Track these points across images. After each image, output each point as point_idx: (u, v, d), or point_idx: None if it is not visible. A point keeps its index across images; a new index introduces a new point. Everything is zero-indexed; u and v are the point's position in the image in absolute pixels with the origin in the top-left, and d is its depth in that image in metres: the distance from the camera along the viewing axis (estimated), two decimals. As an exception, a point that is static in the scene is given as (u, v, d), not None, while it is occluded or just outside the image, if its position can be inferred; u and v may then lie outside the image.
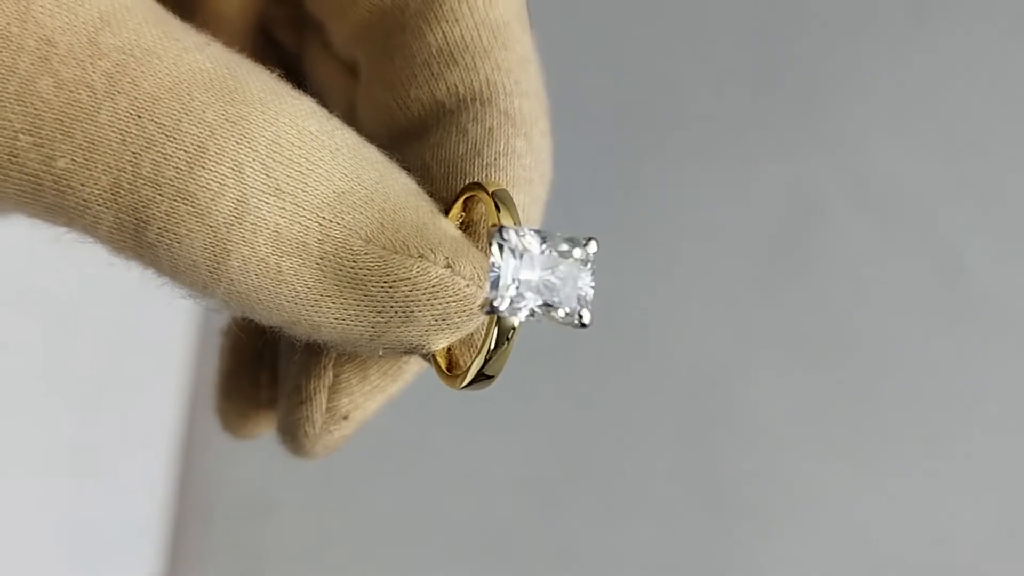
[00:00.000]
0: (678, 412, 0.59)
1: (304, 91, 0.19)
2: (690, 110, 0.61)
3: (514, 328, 0.18)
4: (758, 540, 0.57)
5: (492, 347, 0.17)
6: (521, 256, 0.17)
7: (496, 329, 0.17)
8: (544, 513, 0.60)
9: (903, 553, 0.56)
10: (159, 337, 0.62)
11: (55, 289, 0.52)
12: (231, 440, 0.25)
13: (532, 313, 0.17)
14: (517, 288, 0.17)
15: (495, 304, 0.17)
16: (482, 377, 0.18)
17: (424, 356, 0.19)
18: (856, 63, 0.59)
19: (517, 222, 0.18)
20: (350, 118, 0.21)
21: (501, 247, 0.17)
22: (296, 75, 0.24)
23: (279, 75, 0.18)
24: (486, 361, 0.18)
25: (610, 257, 0.60)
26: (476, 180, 0.19)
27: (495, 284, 0.17)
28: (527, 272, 0.17)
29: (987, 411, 0.56)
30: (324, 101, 0.21)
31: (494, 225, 0.17)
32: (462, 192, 0.19)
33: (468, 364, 0.18)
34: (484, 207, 0.19)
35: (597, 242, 0.18)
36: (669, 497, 0.59)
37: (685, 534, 0.58)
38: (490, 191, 0.18)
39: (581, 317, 0.17)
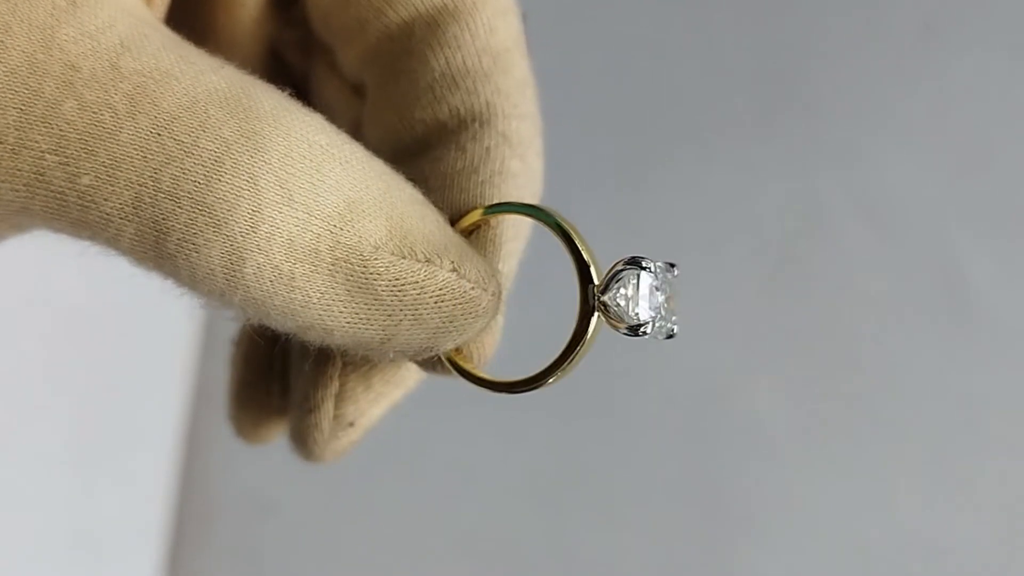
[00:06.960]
0: (680, 422, 0.59)
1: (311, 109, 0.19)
2: (697, 122, 0.61)
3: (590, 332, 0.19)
4: (757, 550, 0.57)
5: (566, 351, 0.19)
6: (657, 285, 0.19)
7: (584, 334, 0.19)
8: (545, 517, 0.60)
9: (902, 566, 0.56)
10: (162, 338, 0.62)
11: (59, 290, 0.52)
12: (233, 441, 0.26)
13: (655, 326, 0.19)
14: (655, 310, 0.19)
15: (643, 329, 0.19)
16: (535, 381, 0.19)
17: (434, 362, 0.20)
18: (864, 78, 0.59)
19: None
20: (356, 136, 0.22)
21: (647, 277, 0.19)
22: (303, 94, 0.25)
23: (290, 93, 0.19)
24: (556, 368, 0.19)
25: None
26: (505, 201, 0.21)
27: (647, 311, 0.19)
28: (659, 295, 0.19)
29: (989, 426, 0.56)
30: (330, 119, 0.22)
31: (633, 258, 0.19)
32: (497, 210, 0.20)
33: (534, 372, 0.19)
34: (509, 218, 0.20)
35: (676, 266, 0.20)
36: (670, 506, 0.59)
37: (685, 543, 0.58)
38: (561, 224, 0.19)
39: (672, 332, 0.19)
